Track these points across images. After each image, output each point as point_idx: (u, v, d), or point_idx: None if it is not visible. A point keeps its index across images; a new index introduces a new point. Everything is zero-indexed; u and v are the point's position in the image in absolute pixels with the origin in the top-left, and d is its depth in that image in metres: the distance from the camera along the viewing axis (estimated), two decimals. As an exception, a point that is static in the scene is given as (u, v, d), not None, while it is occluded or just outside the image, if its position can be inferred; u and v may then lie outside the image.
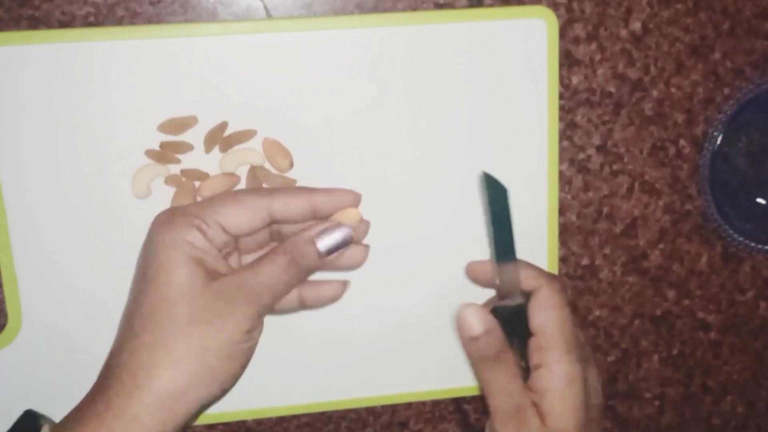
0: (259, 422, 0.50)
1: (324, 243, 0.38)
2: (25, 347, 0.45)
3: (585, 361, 0.39)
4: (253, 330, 0.37)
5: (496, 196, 0.40)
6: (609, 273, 0.51)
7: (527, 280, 0.40)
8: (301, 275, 0.38)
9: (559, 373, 0.38)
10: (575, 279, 0.51)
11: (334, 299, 0.41)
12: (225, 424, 0.50)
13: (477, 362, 0.39)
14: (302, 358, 0.48)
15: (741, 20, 0.49)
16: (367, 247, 0.41)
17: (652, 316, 0.53)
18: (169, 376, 0.34)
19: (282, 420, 0.50)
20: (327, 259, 0.38)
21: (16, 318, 0.45)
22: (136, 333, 0.35)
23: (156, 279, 0.36)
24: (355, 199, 0.40)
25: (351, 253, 0.40)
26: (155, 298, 0.36)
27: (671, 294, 0.52)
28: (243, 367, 0.37)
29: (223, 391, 0.36)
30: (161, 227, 0.37)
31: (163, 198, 0.45)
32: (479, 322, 0.38)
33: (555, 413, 0.38)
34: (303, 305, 0.41)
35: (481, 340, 0.38)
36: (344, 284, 0.41)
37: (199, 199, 0.45)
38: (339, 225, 0.38)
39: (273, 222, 0.39)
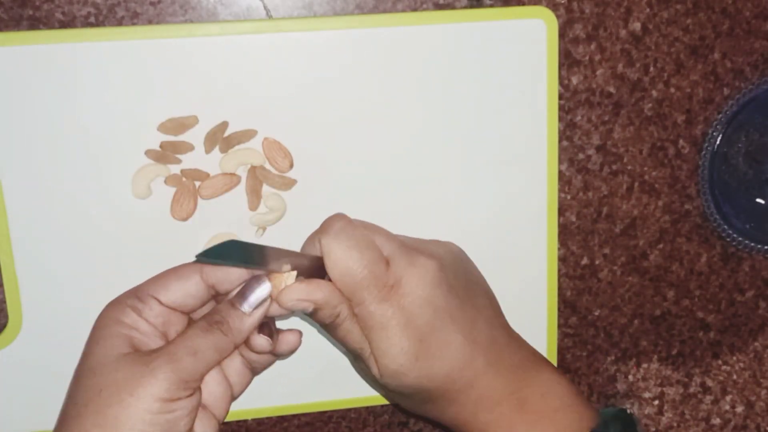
0: (259, 422, 0.50)
1: (246, 302, 0.37)
2: (25, 347, 0.45)
3: (390, 288, 0.38)
4: (174, 400, 0.35)
5: None
6: (609, 273, 0.51)
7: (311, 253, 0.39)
8: (229, 338, 0.37)
9: (366, 320, 0.38)
10: (575, 279, 0.51)
11: (292, 350, 0.40)
12: (225, 424, 0.50)
13: (323, 327, 0.39)
14: (302, 358, 0.48)
15: (740, 20, 0.49)
16: (299, 332, 0.40)
17: (651, 316, 0.53)
18: None
19: (282, 420, 0.50)
20: (254, 317, 0.37)
21: (17, 318, 0.45)
22: (62, 409, 0.36)
23: (82, 356, 0.37)
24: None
25: (285, 339, 0.39)
26: (77, 374, 0.36)
27: (671, 294, 0.52)
28: None
29: None
30: (103, 311, 0.38)
31: (163, 198, 0.45)
32: (304, 303, 0.37)
33: (381, 357, 0.38)
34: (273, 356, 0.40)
35: (317, 313, 0.38)
36: (299, 333, 0.40)
37: (200, 199, 0.45)
38: (258, 280, 0.37)
39: (216, 292, 0.38)
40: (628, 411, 0.41)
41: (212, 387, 0.39)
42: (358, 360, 0.40)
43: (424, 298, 0.38)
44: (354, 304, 0.38)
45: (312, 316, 0.38)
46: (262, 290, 0.37)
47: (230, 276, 0.38)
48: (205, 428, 0.38)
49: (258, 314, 0.37)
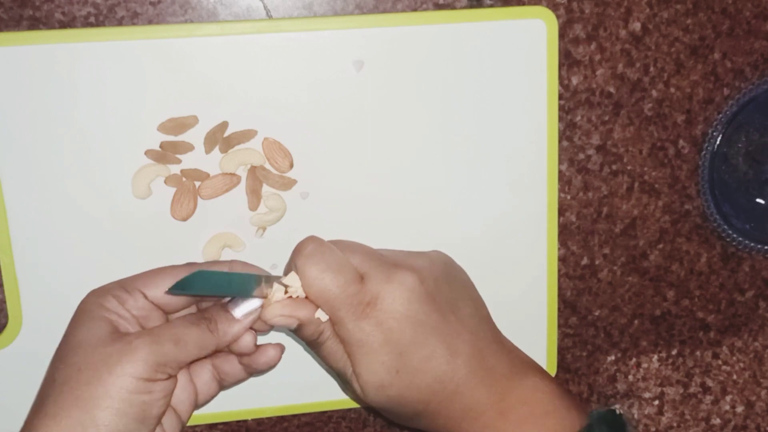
0: (259, 422, 0.50)
1: (237, 308, 0.38)
2: (25, 347, 0.45)
3: (367, 305, 0.38)
4: (152, 381, 0.35)
5: None
6: (609, 273, 0.51)
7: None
8: (214, 337, 0.37)
9: (345, 338, 0.38)
10: (575, 279, 0.51)
11: (270, 365, 0.40)
12: (225, 424, 0.50)
13: (308, 345, 0.40)
14: (302, 358, 0.48)
15: (740, 20, 0.49)
16: (281, 346, 0.40)
17: (651, 316, 0.53)
18: (48, 429, 0.34)
19: (282, 420, 0.50)
20: (242, 324, 0.38)
21: (17, 318, 0.45)
22: (40, 390, 0.37)
23: (63, 338, 0.37)
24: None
25: (267, 354, 0.40)
26: (57, 355, 0.37)
27: (671, 294, 0.52)
28: (138, 422, 0.35)
29: None
30: (85, 297, 0.38)
31: (163, 198, 0.45)
32: (288, 320, 0.38)
33: (362, 373, 0.38)
34: (246, 372, 0.41)
35: (301, 330, 0.39)
36: (281, 348, 0.41)
37: (200, 199, 0.45)
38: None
39: (201, 298, 0.40)
40: (618, 411, 0.41)
41: (178, 391, 0.39)
42: (343, 381, 0.41)
43: (402, 313, 0.38)
44: (334, 324, 0.38)
45: (296, 332, 0.39)
46: (255, 301, 0.38)
47: None
48: (172, 425, 0.39)
49: (247, 322, 0.38)
